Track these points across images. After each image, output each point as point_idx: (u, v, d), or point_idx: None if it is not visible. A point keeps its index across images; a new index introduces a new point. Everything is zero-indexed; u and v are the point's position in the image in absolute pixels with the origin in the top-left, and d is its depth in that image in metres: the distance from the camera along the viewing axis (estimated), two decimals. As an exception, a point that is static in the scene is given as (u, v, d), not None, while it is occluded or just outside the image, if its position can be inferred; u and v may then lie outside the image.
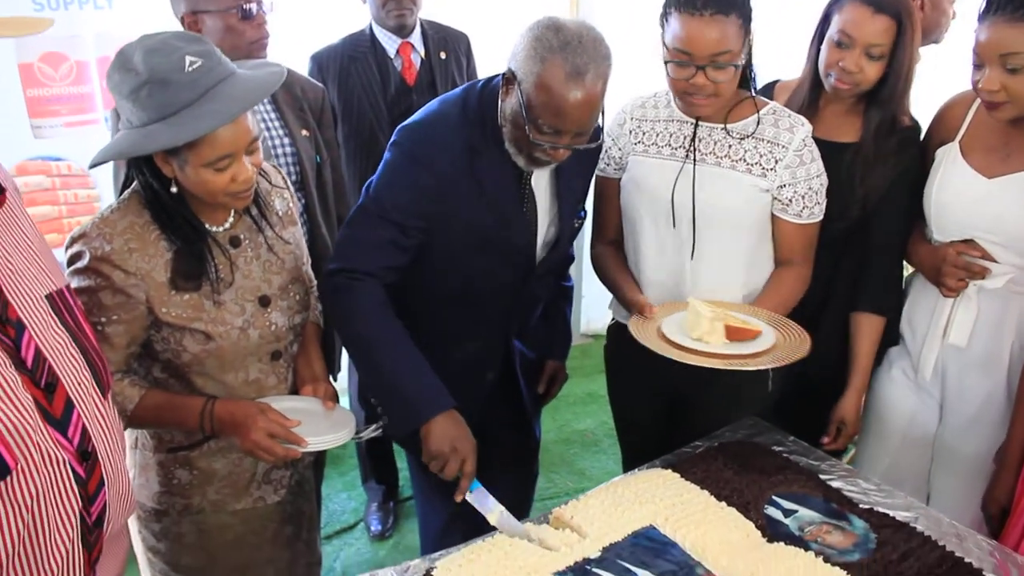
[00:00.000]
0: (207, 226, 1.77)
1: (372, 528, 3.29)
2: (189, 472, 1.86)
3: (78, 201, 3.24)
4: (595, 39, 1.78)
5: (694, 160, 2.07)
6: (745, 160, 2.04)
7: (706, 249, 2.09)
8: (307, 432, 1.76)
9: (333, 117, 2.82)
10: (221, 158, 1.62)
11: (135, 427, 1.81)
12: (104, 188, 3.22)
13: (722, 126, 2.06)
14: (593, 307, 3.24)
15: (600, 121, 1.88)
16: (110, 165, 2.43)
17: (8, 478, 1.26)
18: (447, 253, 2.00)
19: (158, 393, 1.77)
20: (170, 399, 1.77)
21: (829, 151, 2.12)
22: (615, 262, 2.26)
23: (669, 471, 1.89)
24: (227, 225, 1.80)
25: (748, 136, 2.04)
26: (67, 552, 1.36)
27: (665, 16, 1.97)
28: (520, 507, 1.86)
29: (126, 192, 1.75)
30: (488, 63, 3.22)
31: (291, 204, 1.96)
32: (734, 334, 1.91)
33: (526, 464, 2.47)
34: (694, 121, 2.08)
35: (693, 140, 2.08)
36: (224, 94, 1.59)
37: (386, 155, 1.99)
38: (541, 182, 2.05)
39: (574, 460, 3.78)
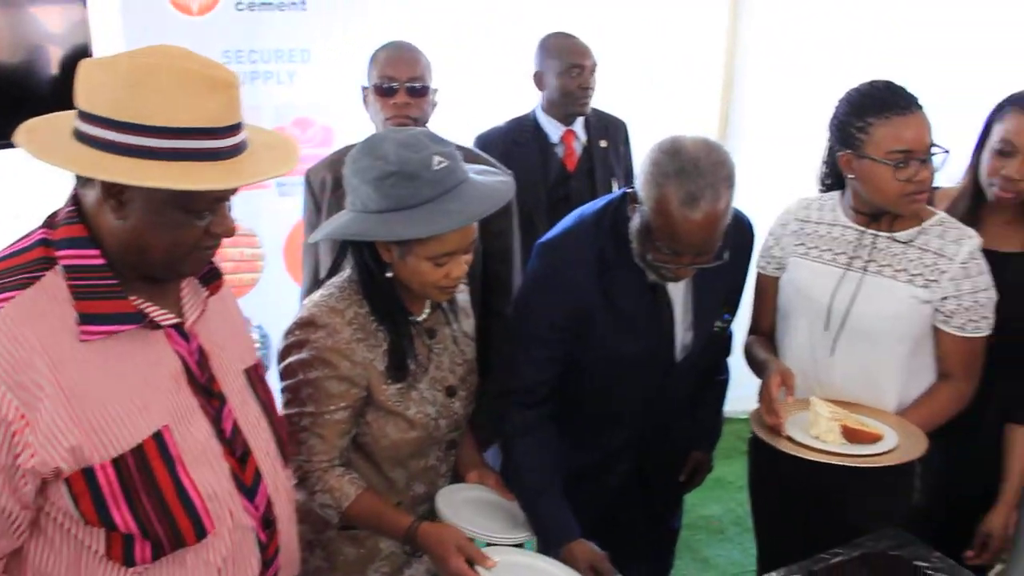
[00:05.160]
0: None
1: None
2: (357, 550, 1.88)
3: (243, 259, 3.44)
4: (715, 162, 1.78)
5: (864, 268, 2.06)
6: (908, 271, 2.02)
7: (853, 355, 2.07)
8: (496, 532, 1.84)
9: None
10: (445, 254, 1.69)
11: (344, 523, 1.83)
12: (268, 248, 3.47)
13: (888, 234, 2.05)
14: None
15: (721, 239, 1.86)
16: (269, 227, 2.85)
17: (204, 540, 1.34)
18: (583, 359, 2.04)
19: (371, 497, 1.80)
20: (381, 509, 1.79)
21: (992, 261, 2.06)
22: (765, 346, 2.24)
23: (812, 580, 1.86)
24: (423, 316, 1.86)
25: (912, 245, 2.03)
26: None
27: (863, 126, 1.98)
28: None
29: (338, 278, 1.81)
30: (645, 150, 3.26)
31: (467, 298, 2.02)
32: (853, 435, 1.92)
33: (660, 554, 2.45)
34: (859, 227, 2.08)
35: (860, 247, 2.07)
36: (464, 196, 1.66)
37: (528, 270, 2.06)
38: (678, 289, 2.05)
39: (699, 547, 3.69)
